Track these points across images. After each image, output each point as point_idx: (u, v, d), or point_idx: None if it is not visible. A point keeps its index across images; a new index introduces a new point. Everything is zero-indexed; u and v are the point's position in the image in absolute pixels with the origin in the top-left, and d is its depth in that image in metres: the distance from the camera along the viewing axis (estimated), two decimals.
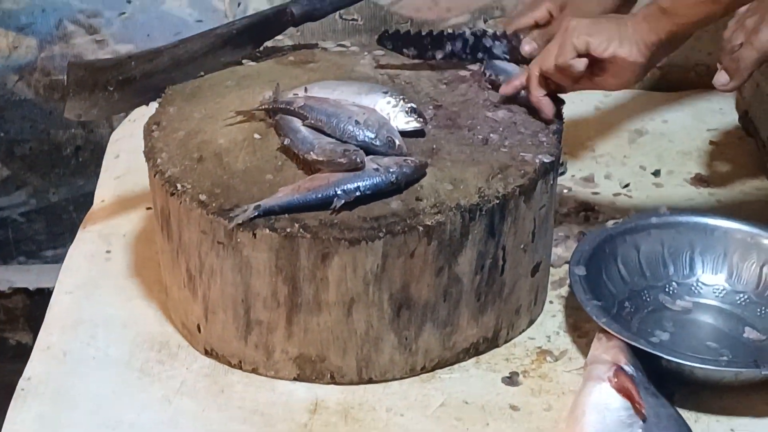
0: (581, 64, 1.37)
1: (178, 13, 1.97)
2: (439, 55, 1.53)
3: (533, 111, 1.44)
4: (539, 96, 1.42)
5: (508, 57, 1.54)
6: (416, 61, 1.53)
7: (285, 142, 1.34)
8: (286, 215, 1.25)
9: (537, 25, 1.55)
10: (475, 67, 1.55)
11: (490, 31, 1.55)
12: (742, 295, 1.46)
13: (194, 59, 1.54)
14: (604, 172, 1.77)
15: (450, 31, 1.53)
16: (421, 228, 1.25)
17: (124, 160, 1.79)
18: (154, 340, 1.41)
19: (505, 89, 1.46)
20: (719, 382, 1.31)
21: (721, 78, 1.41)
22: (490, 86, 1.50)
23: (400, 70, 1.54)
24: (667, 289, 1.47)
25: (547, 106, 1.42)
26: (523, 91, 1.45)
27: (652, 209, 1.52)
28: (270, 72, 1.55)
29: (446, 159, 1.35)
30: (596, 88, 1.44)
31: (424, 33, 1.52)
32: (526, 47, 1.53)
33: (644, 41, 1.34)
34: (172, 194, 1.30)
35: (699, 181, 1.75)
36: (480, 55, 1.54)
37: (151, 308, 1.46)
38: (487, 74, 1.51)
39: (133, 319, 1.44)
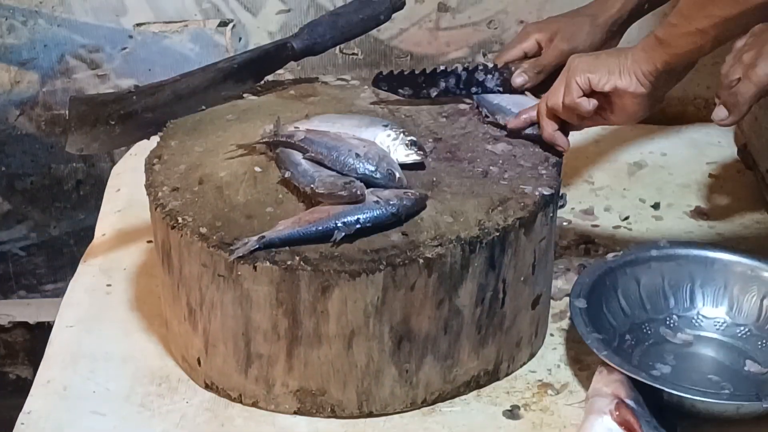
0: (589, 104, 1.39)
1: (180, 48, 1.98)
2: (433, 93, 1.54)
3: (542, 145, 1.45)
4: (552, 131, 1.43)
5: (501, 89, 1.55)
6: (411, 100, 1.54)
7: (286, 175, 1.35)
8: (287, 248, 1.25)
9: (526, 56, 1.57)
10: (469, 101, 1.56)
11: (482, 65, 1.56)
12: (743, 328, 1.45)
13: (195, 93, 1.54)
14: (603, 205, 1.77)
15: (442, 67, 1.55)
16: (421, 260, 1.25)
17: (125, 194, 1.79)
18: (155, 374, 1.40)
19: (515, 123, 1.47)
20: (721, 416, 1.30)
21: (720, 113, 1.41)
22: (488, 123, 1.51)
23: (399, 105, 1.55)
24: (667, 322, 1.47)
25: (560, 139, 1.44)
26: (529, 129, 1.46)
27: (652, 242, 1.52)
28: (271, 106, 1.56)
29: (446, 191, 1.35)
30: (605, 124, 1.45)
31: (417, 72, 1.53)
32: (518, 80, 1.55)
33: (642, 71, 1.35)
34: (173, 227, 1.30)
35: (699, 214, 1.75)
36: (473, 89, 1.55)
37: (151, 342, 1.46)
38: (483, 113, 1.51)
39: (133, 353, 1.44)
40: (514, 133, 1.47)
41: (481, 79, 1.55)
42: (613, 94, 1.37)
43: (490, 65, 1.56)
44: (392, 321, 1.28)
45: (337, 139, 1.37)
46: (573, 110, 1.40)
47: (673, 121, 2.03)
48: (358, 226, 1.26)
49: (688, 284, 1.48)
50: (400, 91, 1.53)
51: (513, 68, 1.55)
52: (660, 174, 1.86)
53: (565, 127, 1.45)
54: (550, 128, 1.43)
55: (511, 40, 1.66)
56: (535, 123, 1.46)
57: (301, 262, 1.24)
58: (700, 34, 1.29)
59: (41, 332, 2.03)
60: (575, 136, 1.47)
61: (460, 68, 1.55)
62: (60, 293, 1.61)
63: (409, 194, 1.30)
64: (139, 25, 1.97)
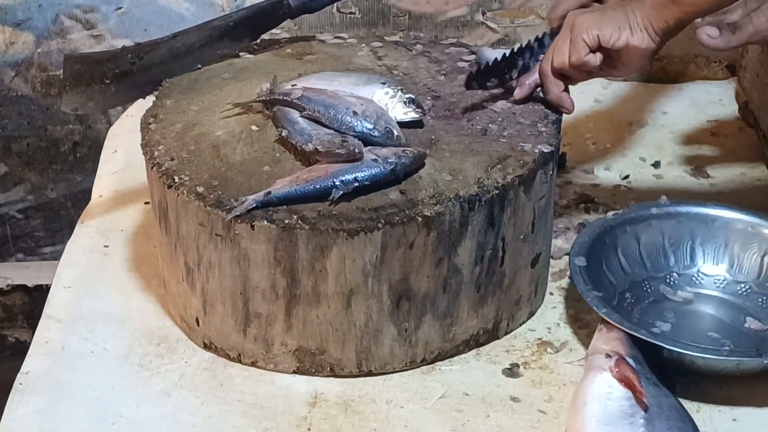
0: (597, 59, 1.38)
1: (175, 8, 1.97)
2: (514, 74, 1.48)
3: (546, 105, 1.44)
4: (558, 92, 1.42)
5: None
6: (499, 90, 1.48)
7: (283, 134, 1.34)
8: (285, 207, 1.24)
9: (583, 6, 1.50)
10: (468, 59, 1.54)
11: (547, 32, 1.51)
12: (743, 285, 1.45)
13: (191, 52, 1.53)
14: (603, 164, 1.76)
15: (516, 47, 1.49)
16: (420, 218, 1.24)
17: (122, 156, 1.78)
18: (153, 335, 1.40)
19: (521, 92, 1.45)
20: (721, 372, 1.30)
21: (710, 31, 1.41)
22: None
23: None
24: (667, 280, 1.46)
25: (567, 101, 1.43)
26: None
27: (652, 200, 1.52)
28: (267, 64, 1.55)
29: (445, 149, 1.34)
30: (607, 76, 1.46)
31: (499, 60, 1.47)
32: None
33: (653, 28, 1.35)
34: (170, 187, 1.29)
35: (699, 171, 1.75)
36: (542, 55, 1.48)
37: (149, 302, 1.45)
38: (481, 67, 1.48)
39: (131, 314, 1.44)
40: (522, 102, 1.45)
41: (547, 43, 1.49)
42: (622, 49, 1.36)
43: (549, 30, 1.51)
44: (391, 280, 1.27)
45: (334, 97, 1.36)
46: (581, 68, 1.39)
47: (674, 80, 2.02)
48: (356, 184, 1.25)
49: (689, 242, 1.48)
50: (488, 84, 1.47)
51: None
52: (660, 132, 1.85)
53: (565, 84, 1.43)
54: (556, 89, 1.42)
55: None
56: (539, 86, 1.44)
57: (299, 221, 1.23)
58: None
59: (39, 295, 2.03)
60: (575, 97, 1.45)
61: (532, 41, 1.49)
62: (58, 256, 1.60)
63: (408, 152, 1.30)
64: None
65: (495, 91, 1.47)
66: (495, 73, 1.47)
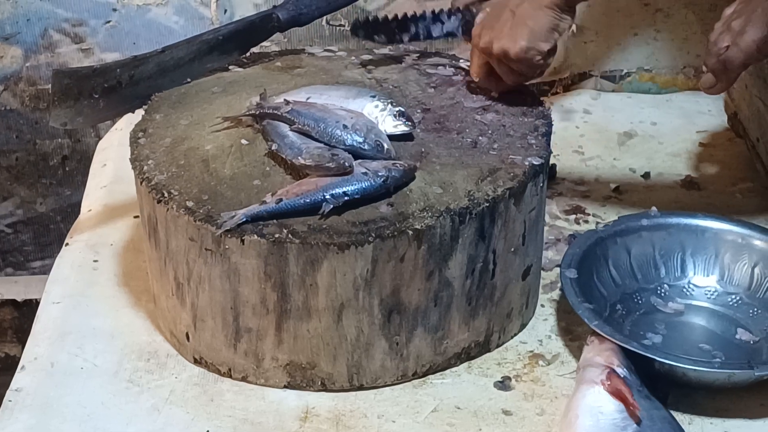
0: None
1: (164, 21, 1.96)
2: (405, 38, 1.54)
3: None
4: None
5: (463, 31, 1.55)
6: (386, 46, 1.57)
7: (272, 148, 1.33)
8: (275, 221, 1.24)
9: None
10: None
11: (446, 8, 1.56)
12: (734, 297, 1.45)
13: (180, 66, 1.53)
14: (594, 175, 1.76)
15: (412, 13, 1.55)
16: (410, 232, 1.24)
17: (111, 169, 1.77)
18: (143, 350, 1.39)
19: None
20: (712, 384, 1.30)
21: (707, 81, 1.41)
22: None
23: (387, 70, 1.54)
24: (658, 292, 1.46)
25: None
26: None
27: (643, 211, 1.52)
28: (257, 78, 1.55)
29: (435, 162, 1.34)
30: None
31: (390, 18, 1.54)
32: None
33: (572, 3, 1.39)
34: (159, 201, 1.29)
35: (689, 183, 1.75)
36: (437, 33, 1.55)
37: (139, 318, 1.45)
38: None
39: (121, 329, 1.43)
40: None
41: (444, 21, 1.55)
42: None
43: (453, 7, 1.56)
44: (382, 293, 1.27)
45: (324, 110, 1.36)
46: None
47: (663, 90, 2.02)
48: (346, 197, 1.25)
49: (679, 253, 1.48)
50: (375, 38, 1.54)
51: (474, 10, 1.54)
52: (650, 143, 1.86)
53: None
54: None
55: None
56: None
57: (289, 235, 1.23)
58: None
59: (29, 309, 2.02)
60: (565, 107, 1.46)
61: (427, 12, 1.54)
62: (47, 270, 1.59)
63: (398, 165, 1.29)
64: None
65: (384, 49, 1.58)
66: (384, 30, 1.53)
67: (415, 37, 1.54)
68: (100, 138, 1.95)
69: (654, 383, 1.27)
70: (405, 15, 1.54)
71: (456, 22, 1.54)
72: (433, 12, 1.55)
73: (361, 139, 1.31)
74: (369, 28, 1.53)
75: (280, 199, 1.24)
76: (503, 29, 1.42)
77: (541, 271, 1.49)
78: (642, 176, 1.77)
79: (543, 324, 1.44)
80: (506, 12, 1.43)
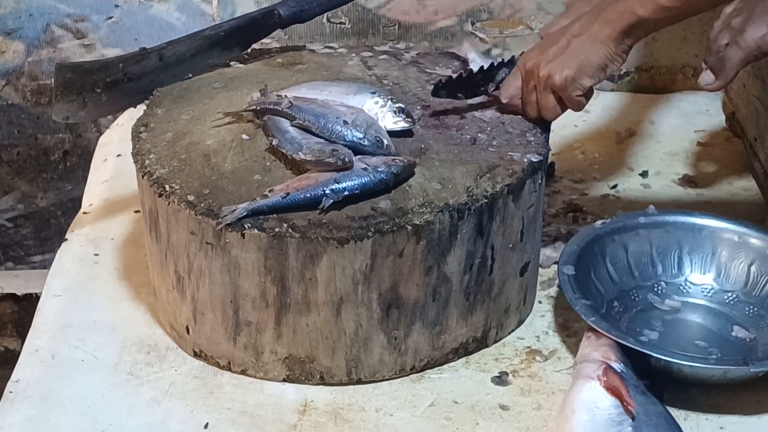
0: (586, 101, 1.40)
1: (166, 17, 1.97)
2: (491, 89, 1.47)
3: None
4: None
5: None
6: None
7: (273, 143, 1.34)
8: (275, 215, 1.25)
9: None
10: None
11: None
12: (730, 294, 1.46)
13: (182, 61, 1.54)
14: (592, 173, 1.77)
15: (495, 62, 1.47)
16: (409, 227, 1.25)
17: (112, 164, 1.78)
18: (143, 343, 1.40)
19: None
20: (708, 380, 1.31)
21: (706, 77, 1.41)
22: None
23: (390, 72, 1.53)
24: (655, 289, 1.47)
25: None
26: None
27: (640, 210, 1.53)
28: (258, 73, 1.55)
29: (434, 158, 1.35)
30: None
31: (475, 71, 1.46)
32: None
33: (622, 49, 1.35)
34: (161, 195, 1.30)
35: (687, 181, 1.76)
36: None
37: (139, 311, 1.46)
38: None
39: (121, 322, 1.44)
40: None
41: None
42: None
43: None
44: (381, 288, 1.28)
45: (324, 106, 1.37)
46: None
47: (662, 90, 2.03)
48: (346, 193, 1.26)
49: (676, 251, 1.48)
50: (459, 95, 1.45)
51: None
52: (648, 142, 1.87)
53: None
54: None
55: (557, 14, 1.56)
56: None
57: (289, 230, 1.24)
58: (696, 11, 1.29)
59: (29, 303, 2.03)
60: None
61: (513, 58, 1.47)
62: (48, 264, 1.60)
63: (397, 161, 1.30)
64: None
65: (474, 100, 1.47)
66: (469, 85, 1.45)
67: (499, 84, 1.46)
68: (101, 133, 1.95)
69: (650, 379, 1.28)
70: (491, 65, 1.46)
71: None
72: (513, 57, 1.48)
73: (361, 135, 1.32)
74: (452, 87, 1.44)
75: (282, 194, 1.25)
76: (555, 55, 1.38)
77: (539, 268, 1.50)
78: (640, 174, 1.77)
79: (540, 320, 1.45)
80: (563, 39, 1.39)
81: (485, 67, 1.47)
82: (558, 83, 1.37)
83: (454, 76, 1.46)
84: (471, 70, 1.48)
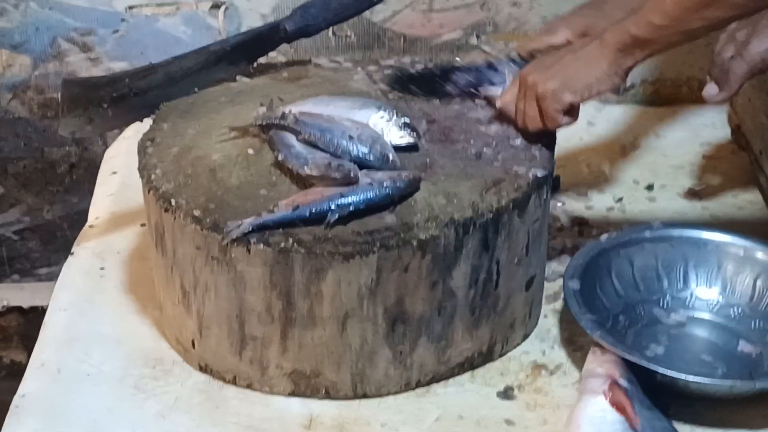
0: (574, 117, 1.39)
1: (172, 31, 1.98)
2: (453, 89, 1.49)
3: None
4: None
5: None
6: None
7: (279, 157, 1.34)
8: (281, 230, 1.25)
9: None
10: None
11: (507, 58, 1.52)
12: (736, 309, 1.46)
13: (188, 76, 1.54)
14: (597, 187, 1.77)
15: (460, 64, 1.51)
16: (415, 242, 1.25)
17: (119, 178, 1.79)
18: (149, 357, 1.40)
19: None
20: (714, 395, 1.31)
21: (710, 90, 1.42)
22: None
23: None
24: (661, 303, 1.47)
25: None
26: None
27: (646, 223, 1.53)
28: (264, 88, 1.56)
29: (440, 173, 1.35)
30: None
31: (437, 72, 1.48)
32: None
33: (622, 69, 1.33)
34: (167, 210, 1.30)
35: (692, 194, 1.76)
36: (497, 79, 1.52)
37: (145, 325, 1.46)
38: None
39: (127, 336, 1.44)
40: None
41: (501, 71, 1.51)
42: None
43: (513, 54, 1.52)
44: (386, 303, 1.28)
45: (330, 121, 1.37)
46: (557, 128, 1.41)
47: (667, 103, 2.03)
48: (351, 208, 1.26)
49: (682, 265, 1.48)
50: (413, 88, 1.49)
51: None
52: (654, 155, 1.87)
53: None
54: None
55: (539, 30, 1.58)
56: None
57: (295, 244, 1.24)
58: (691, 33, 1.27)
59: (35, 316, 2.03)
60: None
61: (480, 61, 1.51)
62: (54, 277, 1.61)
63: (403, 176, 1.30)
64: (131, 8, 1.96)
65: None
66: (426, 82, 1.48)
67: (470, 84, 1.50)
68: (107, 146, 1.96)
69: (656, 394, 1.28)
70: (453, 66, 1.48)
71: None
72: (489, 63, 1.50)
73: (366, 150, 1.33)
74: (409, 82, 1.47)
75: (287, 209, 1.25)
76: (550, 66, 1.37)
77: (545, 282, 1.50)
78: (645, 188, 1.77)
79: (546, 334, 1.45)
80: (564, 52, 1.39)
81: (445, 68, 1.49)
82: (539, 93, 1.37)
83: (413, 71, 1.48)
84: (430, 68, 1.50)
